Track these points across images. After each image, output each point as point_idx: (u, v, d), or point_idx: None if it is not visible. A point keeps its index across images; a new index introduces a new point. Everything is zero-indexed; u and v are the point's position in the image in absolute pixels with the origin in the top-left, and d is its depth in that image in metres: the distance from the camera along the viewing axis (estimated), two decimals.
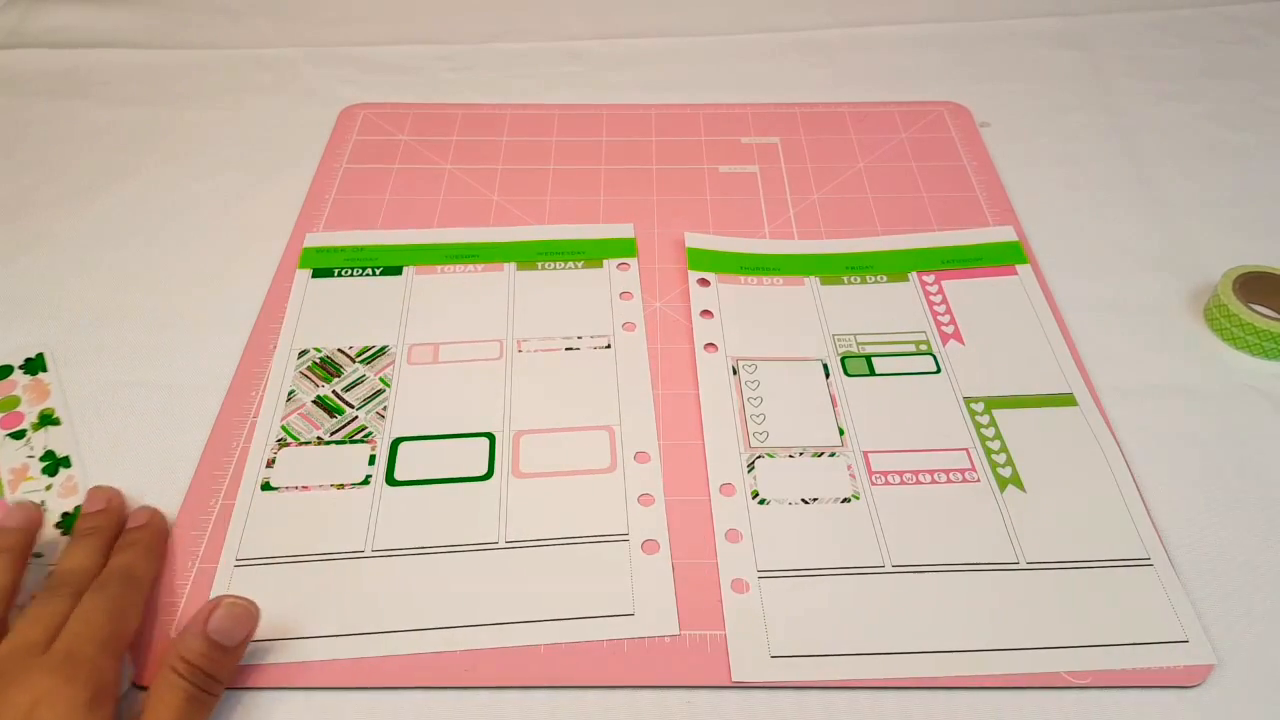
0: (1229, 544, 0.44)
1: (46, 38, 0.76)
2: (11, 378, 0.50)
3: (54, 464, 0.46)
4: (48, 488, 0.45)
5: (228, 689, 0.38)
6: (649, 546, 0.43)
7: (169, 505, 0.45)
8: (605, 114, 0.70)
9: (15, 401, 0.49)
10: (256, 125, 0.69)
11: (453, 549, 0.43)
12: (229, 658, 0.37)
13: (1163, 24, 0.79)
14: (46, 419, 0.48)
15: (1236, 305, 0.52)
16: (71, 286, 0.56)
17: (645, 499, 0.45)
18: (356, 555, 0.43)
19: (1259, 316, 0.52)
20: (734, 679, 0.39)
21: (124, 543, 0.42)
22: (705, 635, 0.40)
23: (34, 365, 0.51)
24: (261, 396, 0.50)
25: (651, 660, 0.40)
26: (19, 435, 0.48)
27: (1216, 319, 0.53)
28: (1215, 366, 0.52)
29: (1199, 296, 0.56)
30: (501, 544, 0.43)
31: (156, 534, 0.43)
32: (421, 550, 0.43)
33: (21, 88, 0.72)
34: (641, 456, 0.47)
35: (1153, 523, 0.44)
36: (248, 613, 0.38)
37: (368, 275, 0.56)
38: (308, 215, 0.61)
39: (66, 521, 0.44)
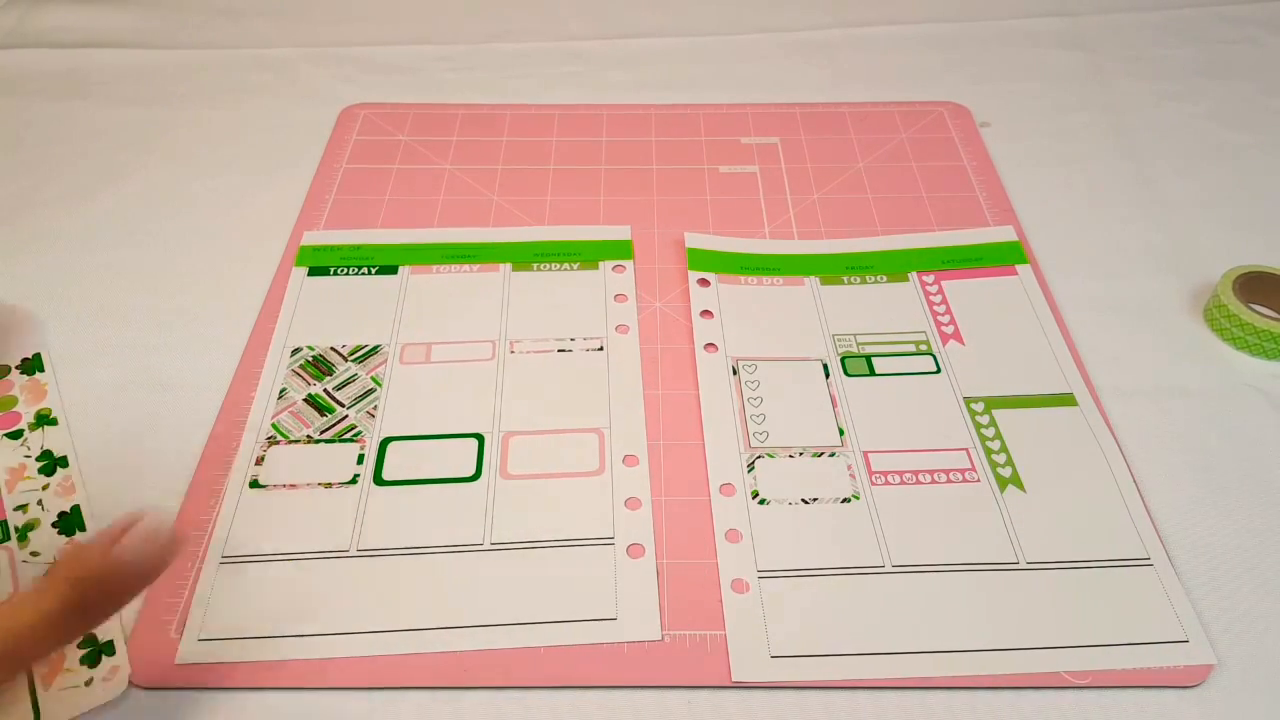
0: (1229, 544, 0.44)
1: (46, 38, 0.76)
2: (8, 378, 0.50)
3: (51, 464, 0.46)
4: (44, 487, 0.45)
5: (214, 689, 0.37)
6: (634, 550, 0.43)
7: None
8: (605, 114, 0.70)
9: (12, 401, 0.49)
10: (256, 125, 0.69)
11: (438, 550, 0.43)
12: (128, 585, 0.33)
13: (1163, 24, 0.79)
14: (43, 419, 0.48)
15: (1236, 305, 0.52)
16: (71, 286, 0.56)
17: (632, 503, 0.45)
18: (341, 555, 0.43)
19: (1259, 316, 0.52)
20: (734, 679, 0.39)
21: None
22: (705, 635, 0.40)
23: (31, 365, 0.51)
24: (253, 396, 0.50)
25: (652, 661, 0.40)
26: (16, 435, 0.48)
27: (1216, 319, 0.53)
28: (1215, 366, 0.52)
29: (1199, 296, 0.56)
30: (486, 546, 0.43)
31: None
32: (406, 551, 0.43)
33: (21, 88, 0.72)
34: (630, 460, 0.47)
35: (1153, 523, 0.44)
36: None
37: (363, 274, 0.56)
38: (308, 215, 0.61)
39: (63, 521, 0.44)
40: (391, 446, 0.47)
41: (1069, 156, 0.66)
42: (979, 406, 0.49)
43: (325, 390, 0.50)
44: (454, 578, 0.42)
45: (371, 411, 0.49)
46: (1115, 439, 0.47)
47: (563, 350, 0.52)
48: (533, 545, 0.43)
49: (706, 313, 0.54)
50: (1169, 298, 0.56)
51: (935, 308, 0.54)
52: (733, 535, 0.44)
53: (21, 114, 0.69)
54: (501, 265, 0.57)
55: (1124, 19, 0.79)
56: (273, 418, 0.49)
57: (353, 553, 0.43)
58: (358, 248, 0.58)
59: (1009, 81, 0.73)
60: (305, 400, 0.49)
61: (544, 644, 0.40)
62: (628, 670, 0.39)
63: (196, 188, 0.63)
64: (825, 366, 0.51)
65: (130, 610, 0.40)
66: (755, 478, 0.46)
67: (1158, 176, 0.64)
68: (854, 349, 0.52)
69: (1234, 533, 0.44)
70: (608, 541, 0.43)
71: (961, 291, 0.55)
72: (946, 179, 0.64)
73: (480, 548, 0.43)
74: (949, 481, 0.46)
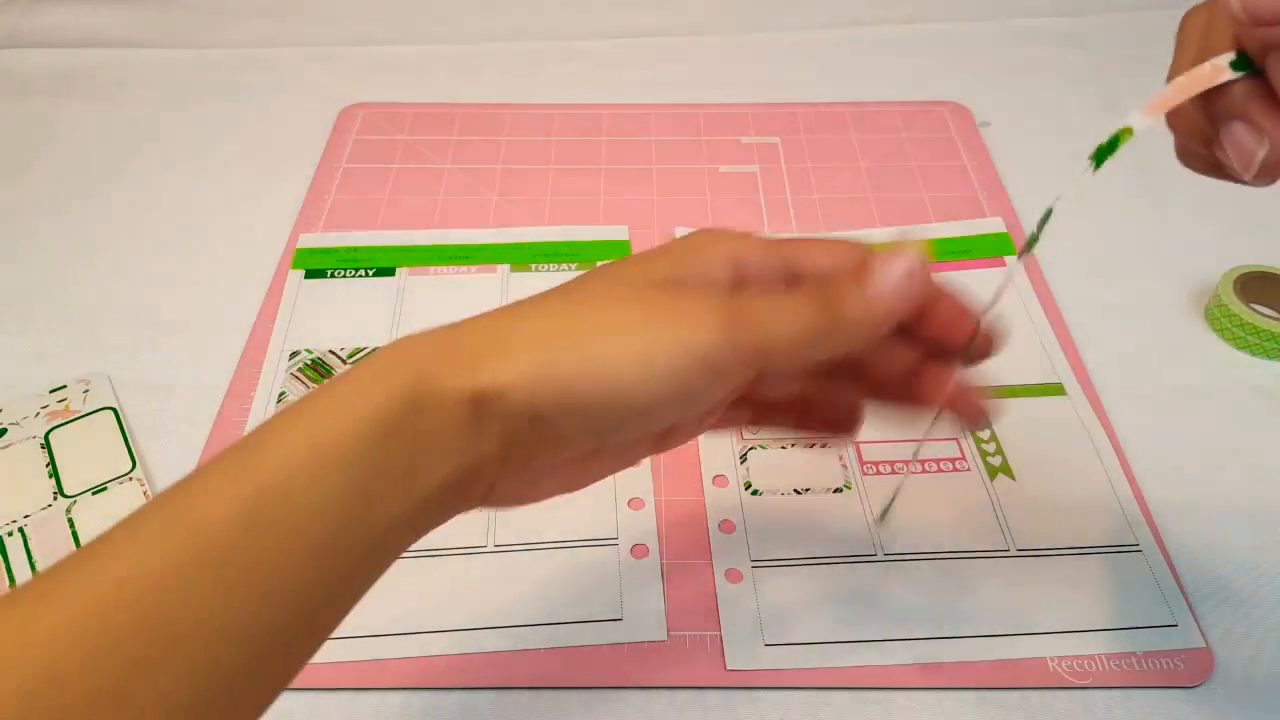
0: (1230, 544, 0.44)
1: (46, 37, 0.77)
2: None
3: None
4: None
5: None
6: (638, 551, 0.43)
7: None
8: (605, 114, 0.70)
9: None
10: (256, 125, 0.69)
11: (441, 552, 0.43)
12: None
13: (1163, 24, 0.78)
14: None
15: (1237, 305, 0.52)
16: (69, 287, 0.56)
17: (635, 503, 0.45)
18: None
19: (1259, 316, 0.51)
20: (728, 667, 0.39)
21: None
22: (707, 636, 0.40)
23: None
24: (252, 398, 0.50)
25: (658, 661, 0.39)
26: None
27: (1217, 319, 0.53)
28: (1215, 366, 0.52)
29: (1199, 296, 0.55)
30: (490, 548, 0.43)
31: None
32: (407, 554, 0.42)
33: (21, 88, 0.72)
34: None
35: (1142, 508, 0.44)
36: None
37: (361, 276, 0.56)
38: (307, 215, 0.61)
39: None
40: None
41: (1069, 156, 0.65)
42: None
43: None
44: (458, 580, 0.42)
45: None
46: (1104, 426, 0.47)
47: None
48: (536, 547, 0.43)
49: None
50: (1169, 297, 0.55)
51: None
52: (726, 526, 0.43)
53: (21, 114, 0.70)
54: (500, 266, 0.57)
55: (1125, 19, 0.79)
56: None
57: None
58: (354, 250, 0.58)
59: (1009, 81, 0.73)
60: None
61: (548, 645, 0.40)
62: (634, 671, 0.39)
63: (196, 188, 0.63)
64: None
65: None
66: (748, 469, 0.46)
67: (1158, 176, 0.64)
68: None
69: (1234, 532, 0.44)
70: (612, 542, 0.43)
71: (948, 283, 0.55)
72: (946, 178, 0.64)
73: (484, 550, 0.43)
74: (939, 471, 0.46)
